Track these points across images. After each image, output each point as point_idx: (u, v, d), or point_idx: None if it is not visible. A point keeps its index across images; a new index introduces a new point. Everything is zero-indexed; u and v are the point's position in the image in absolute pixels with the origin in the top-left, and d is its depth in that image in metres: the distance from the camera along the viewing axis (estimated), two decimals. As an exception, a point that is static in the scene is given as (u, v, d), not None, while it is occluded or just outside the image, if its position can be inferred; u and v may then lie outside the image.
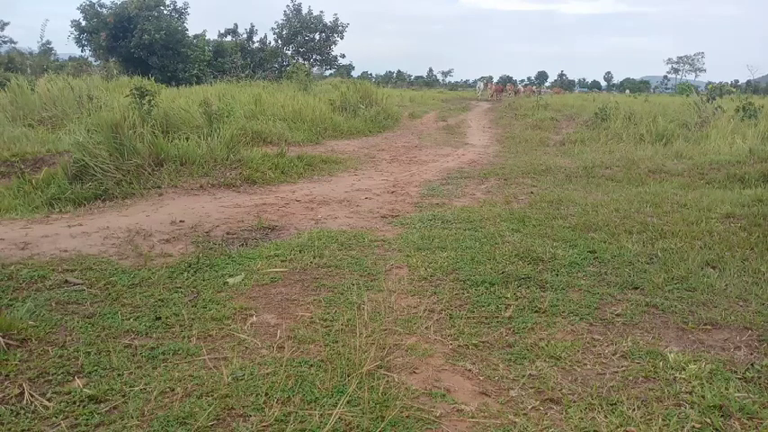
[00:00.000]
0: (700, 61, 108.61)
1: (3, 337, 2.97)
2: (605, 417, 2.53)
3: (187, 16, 32.88)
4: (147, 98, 8.82)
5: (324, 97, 17.25)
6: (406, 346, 3.17)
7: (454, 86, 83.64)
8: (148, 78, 15.66)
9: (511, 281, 4.08)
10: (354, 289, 3.93)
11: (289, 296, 3.87)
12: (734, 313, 3.56)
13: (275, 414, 2.49)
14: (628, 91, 64.98)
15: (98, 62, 32.52)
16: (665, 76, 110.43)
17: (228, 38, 38.77)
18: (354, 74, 62.28)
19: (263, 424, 2.43)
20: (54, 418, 2.45)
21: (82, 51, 32.92)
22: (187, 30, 32.36)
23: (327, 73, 45.58)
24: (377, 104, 17.39)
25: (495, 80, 70.74)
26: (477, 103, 32.23)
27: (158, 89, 10.75)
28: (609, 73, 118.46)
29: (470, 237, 5.19)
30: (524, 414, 2.57)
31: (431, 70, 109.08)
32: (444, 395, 2.72)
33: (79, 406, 2.53)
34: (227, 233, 5.38)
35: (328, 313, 3.57)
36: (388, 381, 2.80)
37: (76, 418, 2.45)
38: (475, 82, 48.78)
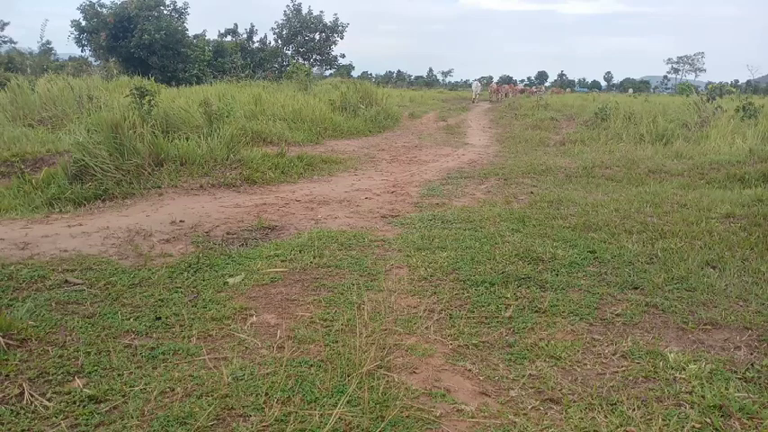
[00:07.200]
0: (700, 61, 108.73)
1: (3, 337, 2.97)
2: (605, 417, 2.53)
3: (187, 16, 32.94)
4: (147, 98, 8.81)
5: (324, 97, 17.25)
6: (406, 346, 3.17)
7: (454, 86, 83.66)
8: (148, 78, 15.61)
9: (511, 281, 4.08)
10: (354, 289, 3.93)
11: (289, 296, 3.87)
12: (734, 313, 3.56)
13: (275, 414, 2.49)
14: (631, 90, 64.52)
15: (98, 62, 32.51)
16: (665, 76, 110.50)
17: (228, 38, 38.78)
18: (354, 74, 62.28)
19: (263, 424, 2.43)
20: (54, 418, 2.45)
21: (82, 51, 32.96)
22: (187, 30, 32.41)
23: (327, 73, 45.61)
24: (377, 104, 17.40)
25: (495, 80, 70.55)
26: (477, 104, 32.13)
27: (158, 89, 10.72)
28: (609, 73, 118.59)
29: (470, 237, 5.19)
30: (524, 414, 2.57)
31: (431, 70, 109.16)
32: (444, 395, 2.71)
33: (79, 406, 2.53)
34: (227, 233, 5.38)
35: (328, 313, 3.57)
36: (388, 381, 2.80)
37: (76, 418, 2.45)
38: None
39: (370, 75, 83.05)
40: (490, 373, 2.92)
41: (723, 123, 13.26)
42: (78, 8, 30.81)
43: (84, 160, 7.24)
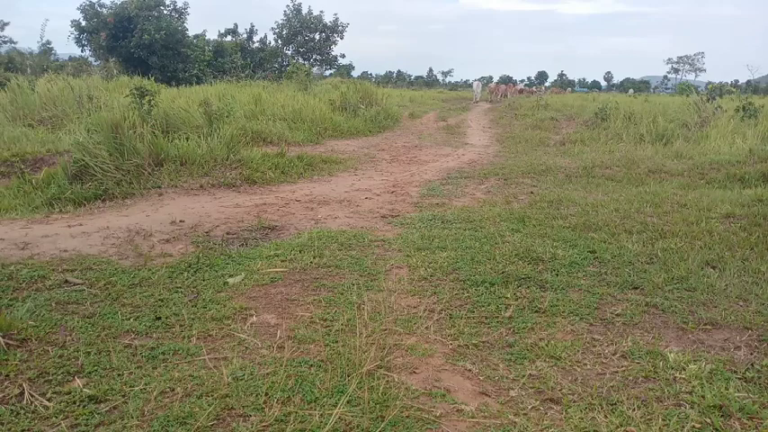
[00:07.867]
0: (700, 61, 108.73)
1: (3, 337, 2.97)
2: (605, 417, 2.53)
3: (187, 16, 32.92)
4: (147, 98, 8.82)
5: (324, 97, 17.23)
6: (406, 346, 3.17)
7: (454, 86, 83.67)
8: (148, 78, 15.64)
9: (511, 281, 4.08)
10: (354, 289, 3.93)
11: (289, 296, 3.87)
12: (734, 313, 3.56)
13: (275, 414, 2.49)
14: (631, 90, 64.32)
15: (98, 62, 32.47)
16: (665, 76, 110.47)
17: (228, 38, 38.73)
18: (354, 74, 62.27)
19: (263, 424, 2.43)
20: (54, 418, 2.45)
21: (82, 51, 32.93)
22: (187, 30, 32.38)
23: (327, 73, 45.51)
24: (377, 104, 17.39)
25: (495, 80, 70.57)
26: (477, 104, 32.06)
27: (158, 89, 10.72)
28: (609, 73, 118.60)
29: (470, 237, 5.19)
30: (524, 414, 2.57)
31: (431, 70, 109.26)
32: (444, 395, 2.72)
33: (79, 406, 2.53)
34: (227, 233, 5.38)
35: (328, 313, 3.57)
36: (388, 381, 2.80)
37: (76, 418, 2.45)
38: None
39: (370, 75, 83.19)
40: (490, 373, 2.92)
41: (723, 123, 13.26)
42: (78, 8, 30.82)
43: (84, 160, 7.24)
